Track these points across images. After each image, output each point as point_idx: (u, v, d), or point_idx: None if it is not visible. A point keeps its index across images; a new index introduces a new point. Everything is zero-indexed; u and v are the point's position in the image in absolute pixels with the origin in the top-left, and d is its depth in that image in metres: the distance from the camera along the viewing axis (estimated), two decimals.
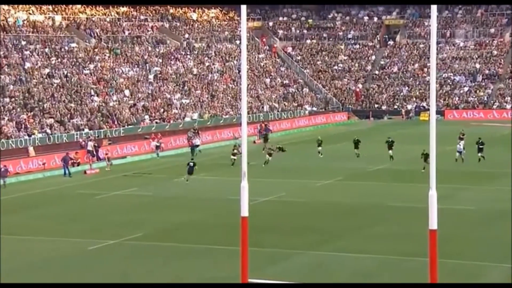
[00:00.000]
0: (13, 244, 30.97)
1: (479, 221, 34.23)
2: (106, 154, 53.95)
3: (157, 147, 58.70)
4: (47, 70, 66.95)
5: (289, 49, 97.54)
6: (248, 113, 61.16)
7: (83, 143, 56.58)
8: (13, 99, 60.57)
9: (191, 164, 44.47)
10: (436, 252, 17.37)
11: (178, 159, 56.00)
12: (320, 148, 54.62)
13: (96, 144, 56.25)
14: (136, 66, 75.94)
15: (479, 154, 49.99)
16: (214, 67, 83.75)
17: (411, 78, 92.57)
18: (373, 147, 57.68)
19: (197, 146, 58.88)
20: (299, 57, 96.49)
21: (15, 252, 29.78)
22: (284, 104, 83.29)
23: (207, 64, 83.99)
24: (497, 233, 31.49)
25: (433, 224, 17.44)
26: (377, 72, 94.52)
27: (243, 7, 17.30)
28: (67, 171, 49.91)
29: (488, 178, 44.83)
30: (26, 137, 56.28)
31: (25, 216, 36.68)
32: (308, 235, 31.89)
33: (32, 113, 59.85)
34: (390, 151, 51.62)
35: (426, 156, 44.10)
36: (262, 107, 79.89)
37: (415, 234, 28.93)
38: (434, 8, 15.75)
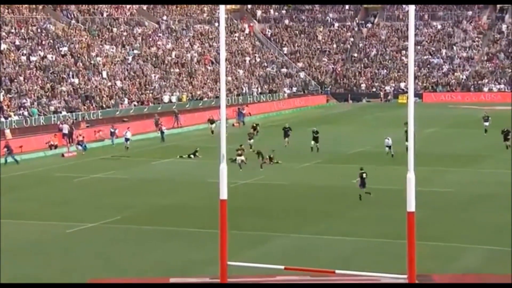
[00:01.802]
0: None
1: (458, 204, 34.50)
2: (77, 137, 53.26)
3: (112, 133, 56.60)
4: (23, 51, 66.35)
5: (268, 31, 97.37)
6: (227, 95, 60.93)
7: (60, 125, 56.21)
8: None
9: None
10: (414, 234, 17.53)
11: (157, 143, 55.93)
12: (287, 139, 51.61)
13: (72, 127, 55.88)
14: (114, 47, 75.46)
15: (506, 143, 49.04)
16: (193, 49, 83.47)
17: (390, 60, 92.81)
18: (352, 130, 57.89)
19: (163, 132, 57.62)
20: (277, 39, 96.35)
21: None
22: (264, 86, 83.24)
23: (186, 45, 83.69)
24: (476, 216, 31.79)
25: (411, 206, 17.59)
26: (355, 54, 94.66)
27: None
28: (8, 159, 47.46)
29: (470, 161, 45.15)
30: (3, 119, 55.84)
31: (3, 199, 36.46)
32: (288, 218, 32.00)
33: (8, 95, 59.36)
34: (313, 142, 49.05)
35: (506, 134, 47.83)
36: (242, 89, 79.81)
37: (396, 217, 29.10)
38: None
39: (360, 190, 34.54)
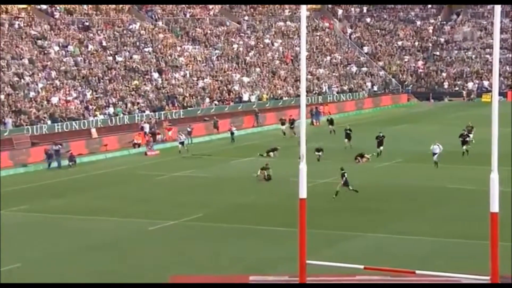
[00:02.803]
0: (76, 224, 31.60)
1: None
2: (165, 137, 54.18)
3: (189, 132, 56.47)
4: (110, 52, 67.81)
5: (348, 30, 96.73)
6: (306, 95, 60.85)
7: (142, 124, 57.14)
8: (77, 80, 61.64)
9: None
10: (498, 234, 17.12)
11: (238, 142, 56.31)
12: (346, 140, 49.79)
13: (154, 126, 56.83)
14: (197, 46, 76.35)
15: None
16: (274, 47, 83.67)
17: (473, 59, 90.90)
18: (433, 129, 56.95)
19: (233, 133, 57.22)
20: (358, 38, 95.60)
21: (78, 232, 30.37)
22: (343, 85, 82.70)
23: (267, 44, 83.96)
24: None
25: (495, 207, 17.18)
26: (437, 52, 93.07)
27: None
28: (52, 164, 46.68)
29: None
30: (91, 118, 57.22)
31: (88, 197, 37.37)
32: (367, 217, 31.74)
33: (95, 94, 60.80)
34: (346, 140, 49.19)
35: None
36: (321, 88, 79.51)
37: (476, 217, 28.48)
38: None
39: (345, 188, 34.90)
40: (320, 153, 44.54)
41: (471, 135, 48.55)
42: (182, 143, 51.95)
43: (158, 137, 56.52)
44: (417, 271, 19.84)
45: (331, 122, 59.67)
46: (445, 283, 22.21)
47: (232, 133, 57.04)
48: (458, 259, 25.19)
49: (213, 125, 60.39)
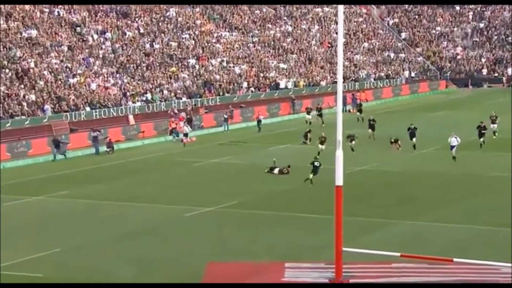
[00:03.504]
0: (114, 211, 31.90)
1: None
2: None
3: (225, 119, 56.19)
4: (147, 39, 68.08)
5: (386, 16, 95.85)
6: (343, 81, 60.48)
7: (179, 111, 57.27)
8: (115, 66, 62.07)
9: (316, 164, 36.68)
10: None
11: (274, 129, 56.27)
12: (370, 131, 48.50)
13: (190, 113, 57.01)
14: (234, 33, 76.31)
15: None
16: (312, 33, 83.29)
17: None
18: (471, 116, 56.29)
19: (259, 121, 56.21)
20: (396, 24, 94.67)
21: (116, 218, 30.65)
22: (381, 72, 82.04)
23: (304, 29, 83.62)
24: None
25: None
26: (477, 38, 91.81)
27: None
28: (57, 156, 45.68)
29: None
30: (128, 105, 57.60)
31: (126, 183, 37.66)
32: (404, 205, 31.54)
33: (132, 81, 61.16)
34: (370, 130, 47.98)
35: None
36: (359, 75, 79.01)
37: None
38: None
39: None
40: (353, 142, 43.60)
41: (495, 125, 47.93)
42: (186, 134, 50.69)
43: (195, 124, 56.73)
44: (454, 259, 19.72)
45: (359, 109, 59.02)
46: (483, 272, 22.01)
47: (259, 121, 56.19)
48: (497, 248, 24.90)
49: (227, 116, 57.21)
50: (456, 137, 40.53)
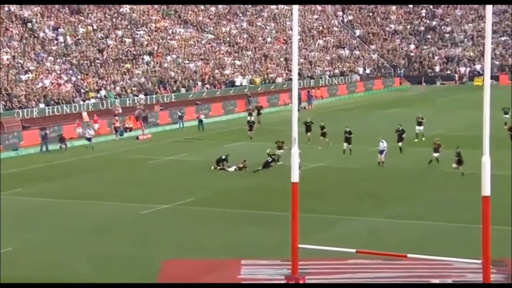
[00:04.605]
0: (68, 208, 31.60)
1: None
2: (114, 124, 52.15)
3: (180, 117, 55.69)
4: (101, 35, 67.45)
5: (340, 13, 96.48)
6: (298, 78, 60.71)
7: (119, 111, 56.92)
8: (69, 63, 61.42)
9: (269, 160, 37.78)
10: (489, 218, 17.20)
11: (229, 126, 56.28)
12: (309, 133, 46.12)
13: (145, 110, 56.69)
14: (188, 29, 76.03)
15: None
16: (267, 29, 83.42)
17: (465, 40, 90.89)
18: (426, 113, 56.98)
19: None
20: (350, 21, 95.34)
21: (70, 216, 30.36)
22: (335, 69, 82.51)
23: (259, 24, 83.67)
24: None
25: (486, 190, 17.24)
26: (429, 36, 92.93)
27: None
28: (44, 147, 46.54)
29: None
30: (81, 102, 57.03)
31: (80, 181, 37.33)
32: (360, 201, 31.82)
33: (86, 78, 60.57)
34: (345, 144, 42.53)
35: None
36: (314, 72, 79.38)
37: (470, 201, 28.57)
38: None
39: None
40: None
41: (421, 127, 46.52)
42: (89, 139, 47.66)
43: (150, 121, 56.44)
44: (408, 255, 19.98)
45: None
46: (436, 267, 22.35)
47: (200, 121, 54.60)
48: (452, 243, 25.28)
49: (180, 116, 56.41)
50: (383, 141, 39.07)
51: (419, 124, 47.02)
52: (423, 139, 45.18)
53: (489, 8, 16.76)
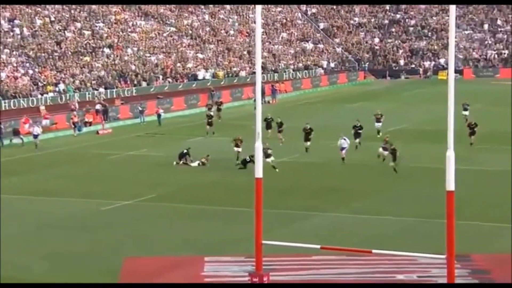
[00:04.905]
0: (26, 205, 31.30)
1: (498, 182, 34.16)
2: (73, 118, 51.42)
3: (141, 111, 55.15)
4: (59, 27, 66.81)
5: (304, 6, 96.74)
6: (262, 72, 60.75)
7: (95, 105, 56.54)
8: (25, 53, 60.73)
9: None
10: (453, 213, 17.45)
11: (192, 120, 56.22)
12: (270, 131, 44.66)
13: (105, 104, 56.35)
14: (150, 21, 75.64)
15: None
16: (230, 22, 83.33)
17: (430, 33, 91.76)
18: (390, 107, 57.50)
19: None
20: (314, 14, 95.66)
21: (29, 213, 30.08)
22: (299, 62, 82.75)
23: (221, 16, 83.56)
24: None
25: (451, 185, 17.47)
26: (393, 29, 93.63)
27: None
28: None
29: (507, 139, 44.61)
30: (39, 96, 56.46)
31: (40, 176, 37.01)
32: (325, 196, 31.97)
33: (44, 71, 59.96)
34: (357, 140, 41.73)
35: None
36: (278, 66, 79.54)
37: (435, 196, 28.91)
38: None
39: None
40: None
41: (379, 124, 45.92)
42: (36, 136, 45.76)
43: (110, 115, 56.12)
44: (373, 251, 20.18)
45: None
46: (402, 263, 22.58)
47: (159, 115, 54.25)
48: (416, 238, 25.56)
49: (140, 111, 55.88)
50: (345, 139, 38.81)
51: (378, 120, 46.62)
52: (379, 135, 44.38)
53: (452, 7, 16.98)
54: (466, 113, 48.37)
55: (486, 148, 41.99)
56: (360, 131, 41.97)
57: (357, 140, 41.64)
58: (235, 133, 42.16)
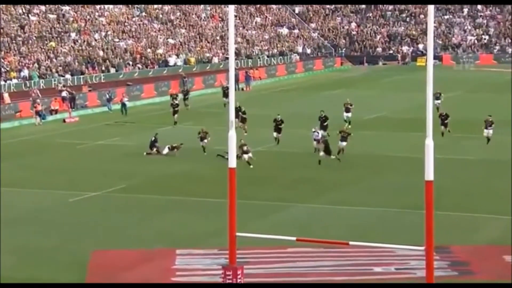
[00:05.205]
0: None
1: (478, 172, 34.48)
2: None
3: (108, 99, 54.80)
4: (22, 10, 66.23)
5: None
6: (235, 58, 60.72)
7: (60, 89, 56.08)
8: None
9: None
10: (432, 204, 17.57)
11: (163, 108, 56.03)
12: (237, 120, 40.13)
13: (72, 92, 55.93)
14: (118, 5, 75.17)
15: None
16: (201, 5, 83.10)
17: (408, 18, 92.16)
18: (368, 95, 57.77)
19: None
20: None
21: None
22: (274, 48, 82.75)
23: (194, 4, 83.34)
24: (496, 185, 31.77)
25: (430, 175, 17.58)
26: (370, 14, 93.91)
27: None
28: None
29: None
30: (2, 82, 55.98)
31: (4, 166, 36.63)
32: (302, 187, 32.08)
33: (7, 56, 59.41)
34: (275, 133, 41.11)
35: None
36: (252, 51, 79.49)
37: (415, 186, 29.11)
38: None
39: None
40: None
41: (349, 114, 45.66)
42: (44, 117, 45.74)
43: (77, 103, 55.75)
44: (350, 243, 20.29)
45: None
46: (379, 255, 22.76)
47: (123, 104, 53.70)
48: (394, 230, 25.74)
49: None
50: (318, 132, 38.53)
51: (347, 110, 46.17)
52: (349, 126, 43.52)
53: (431, 7, 17.07)
54: (438, 102, 48.07)
55: (467, 137, 42.31)
56: (325, 123, 40.98)
57: (325, 133, 40.02)
58: (207, 122, 42.11)
